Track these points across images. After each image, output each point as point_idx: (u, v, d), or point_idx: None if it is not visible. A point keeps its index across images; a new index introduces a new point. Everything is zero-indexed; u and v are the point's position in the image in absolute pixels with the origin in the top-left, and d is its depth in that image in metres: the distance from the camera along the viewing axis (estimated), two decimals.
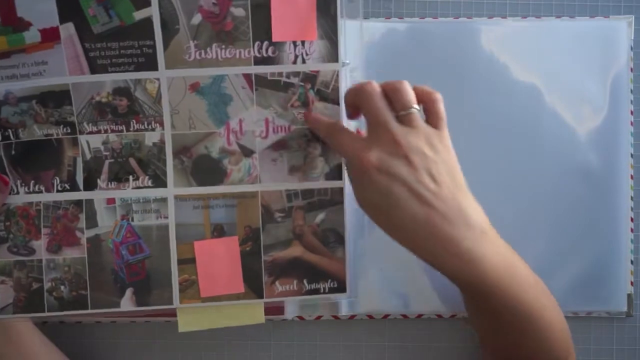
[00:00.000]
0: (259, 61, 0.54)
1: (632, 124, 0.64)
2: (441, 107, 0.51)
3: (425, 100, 0.51)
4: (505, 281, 0.49)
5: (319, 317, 0.64)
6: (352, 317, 0.64)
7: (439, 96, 0.51)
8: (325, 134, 0.54)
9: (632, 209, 0.65)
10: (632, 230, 0.65)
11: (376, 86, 0.50)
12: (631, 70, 0.64)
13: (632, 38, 0.64)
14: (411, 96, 0.50)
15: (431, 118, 0.51)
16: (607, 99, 0.64)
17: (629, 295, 0.64)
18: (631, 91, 0.64)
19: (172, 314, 0.59)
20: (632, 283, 0.65)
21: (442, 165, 0.49)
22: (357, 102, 0.51)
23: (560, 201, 0.64)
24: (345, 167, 0.52)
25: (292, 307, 0.63)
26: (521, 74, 0.64)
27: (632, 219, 0.65)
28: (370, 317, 0.64)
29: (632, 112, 0.64)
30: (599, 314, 0.65)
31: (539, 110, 0.64)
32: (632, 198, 0.65)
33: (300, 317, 0.65)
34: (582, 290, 0.64)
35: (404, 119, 0.49)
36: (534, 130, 0.64)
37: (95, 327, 0.65)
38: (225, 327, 0.60)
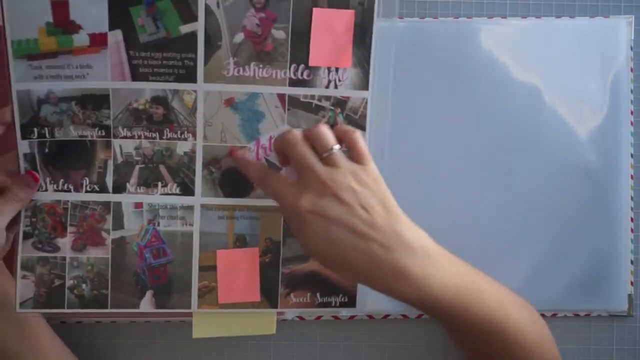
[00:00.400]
0: (293, 83, 0.57)
1: (632, 124, 0.65)
2: (361, 143, 0.52)
3: (346, 140, 0.53)
4: (461, 301, 0.51)
5: (319, 317, 0.65)
6: (352, 317, 0.65)
7: (357, 134, 0.53)
8: (256, 178, 0.56)
9: (632, 209, 0.65)
10: (632, 230, 0.65)
11: (297, 133, 0.52)
12: (631, 70, 0.65)
13: (632, 38, 0.65)
14: (329, 138, 0.52)
15: (355, 156, 0.52)
16: (607, 98, 0.64)
17: (629, 295, 0.65)
18: (631, 91, 0.65)
19: (173, 314, 0.60)
20: (632, 283, 0.65)
21: (373, 197, 0.51)
22: (284, 150, 0.53)
23: (560, 201, 0.64)
24: (282, 216, 0.56)
25: None
26: (521, 74, 0.63)
27: (632, 219, 0.65)
28: (370, 317, 0.65)
29: (632, 112, 0.65)
30: (599, 314, 0.66)
31: (539, 110, 0.64)
32: (632, 198, 0.65)
33: (300, 317, 0.65)
34: (582, 290, 0.64)
35: (327, 160, 0.51)
36: (534, 130, 0.64)
37: (95, 327, 0.65)
38: None
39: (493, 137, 0.64)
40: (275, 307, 0.59)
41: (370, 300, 0.63)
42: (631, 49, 0.65)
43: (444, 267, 0.51)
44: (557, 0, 0.66)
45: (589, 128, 0.64)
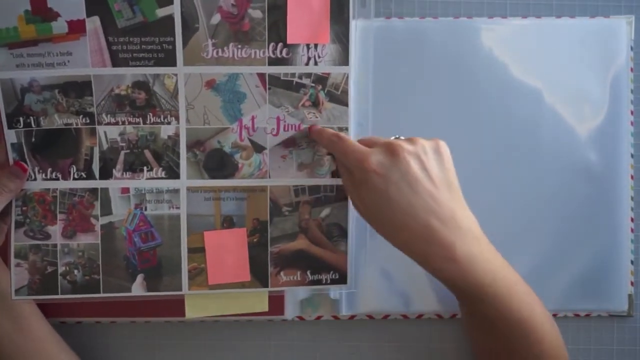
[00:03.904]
0: (273, 62, 0.57)
1: (632, 123, 0.65)
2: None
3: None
4: (496, 288, 0.51)
5: (319, 317, 0.65)
6: (352, 317, 0.65)
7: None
8: (327, 142, 0.56)
9: (632, 209, 0.65)
10: (632, 230, 0.65)
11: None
12: (631, 70, 0.65)
13: (632, 38, 0.65)
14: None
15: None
16: (607, 98, 0.64)
17: (629, 296, 0.65)
18: (631, 91, 0.65)
19: (173, 314, 0.61)
20: (632, 283, 0.65)
21: (440, 171, 0.52)
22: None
23: (560, 201, 0.64)
24: (341, 175, 0.56)
25: (292, 308, 0.64)
26: (521, 74, 0.64)
27: (632, 219, 0.65)
28: (370, 317, 0.65)
29: (632, 112, 0.65)
30: (600, 314, 0.65)
31: (539, 110, 0.64)
32: (632, 198, 0.65)
33: (300, 317, 0.65)
34: (582, 290, 0.64)
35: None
36: (534, 130, 0.64)
37: (95, 328, 0.65)
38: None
39: (493, 137, 0.64)
40: (266, 286, 0.59)
41: (371, 300, 0.64)
42: (631, 49, 0.65)
43: (485, 252, 0.52)
44: (557, 0, 0.66)
45: (589, 128, 0.64)
